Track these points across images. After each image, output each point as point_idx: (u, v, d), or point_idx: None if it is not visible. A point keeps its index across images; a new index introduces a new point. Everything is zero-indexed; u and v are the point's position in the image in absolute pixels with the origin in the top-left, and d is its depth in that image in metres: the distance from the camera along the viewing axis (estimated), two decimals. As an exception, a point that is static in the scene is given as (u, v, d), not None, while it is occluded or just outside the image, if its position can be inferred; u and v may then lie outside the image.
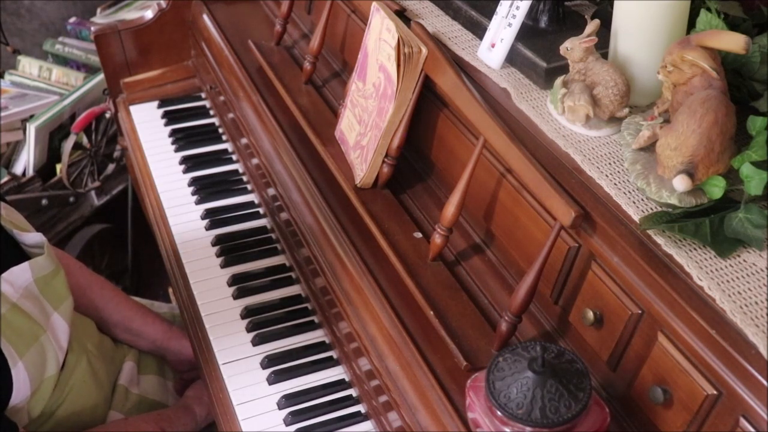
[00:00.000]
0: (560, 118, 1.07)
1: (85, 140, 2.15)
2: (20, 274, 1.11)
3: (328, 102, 1.43)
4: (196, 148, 1.71)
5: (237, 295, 1.37)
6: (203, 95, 1.86)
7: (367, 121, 1.23)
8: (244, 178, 1.62)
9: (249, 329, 1.30)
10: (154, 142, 1.74)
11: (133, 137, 1.77)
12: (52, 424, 1.18)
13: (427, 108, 1.21)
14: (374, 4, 1.23)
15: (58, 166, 2.13)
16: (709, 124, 0.86)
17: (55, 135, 2.15)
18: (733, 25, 1.04)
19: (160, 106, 1.83)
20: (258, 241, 1.48)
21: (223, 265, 1.43)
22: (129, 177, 2.20)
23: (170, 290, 2.07)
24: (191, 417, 1.36)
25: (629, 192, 0.95)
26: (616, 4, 1.04)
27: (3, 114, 2.13)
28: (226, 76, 1.61)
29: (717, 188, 0.88)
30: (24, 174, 2.10)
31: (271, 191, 1.43)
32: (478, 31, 1.23)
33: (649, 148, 0.96)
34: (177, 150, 1.70)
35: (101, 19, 2.51)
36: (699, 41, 0.89)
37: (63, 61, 2.47)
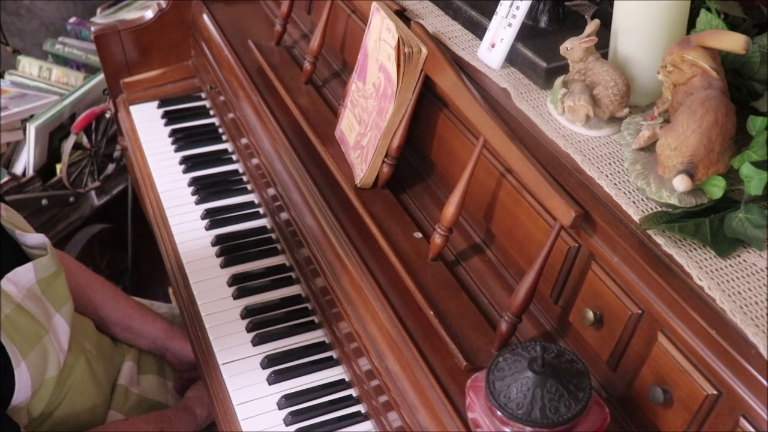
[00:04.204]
0: (560, 118, 1.07)
1: (85, 140, 2.15)
2: (24, 274, 1.11)
3: (328, 102, 1.43)
4: (196, 148, 1.71)
5: (237, 295, 1.37)
6: (203, 95, 1.86)
7: (367, 121, 1.23)
8: (244, 178, 1.62)
9: (249, 329, 1.30)
10: (154, 142, 1.74)
11: (133, 137, 1.77)
12: (51, 423, 1.18)
13: (427, 108, 1.21)
14: (374, 4, 1.23)
15: (58, 166, 2.13)
16: (709, 124, 0.86)
17: (55, 135, 2.15)
18: (733, 25, 1.04)
19: (160, 106, 1.83)
20: (258, 241, 1.48)
21: (223, 265, 1.43)
22: (129, 177, 2.20)
23: (170, 290, 2.07)
24: (191, 418, 1.35)
25: (629, 192, 0.95)
26: (616, 4, 1.04)
27: (3, 114, 2.12)
28: (226, 76, 1.61)
29: (717, 188, 0.88)
30: (24, 174, 2.10)
31: (271, 191, 1.43)
32: (478, 31, 1.23)
33: (649, 148, 0.96)
34: (177, 150, 1.70)
35: (101, 19, 2.51)
36: (699, 41, 0.89)
37: (63, 61, 2.47)
